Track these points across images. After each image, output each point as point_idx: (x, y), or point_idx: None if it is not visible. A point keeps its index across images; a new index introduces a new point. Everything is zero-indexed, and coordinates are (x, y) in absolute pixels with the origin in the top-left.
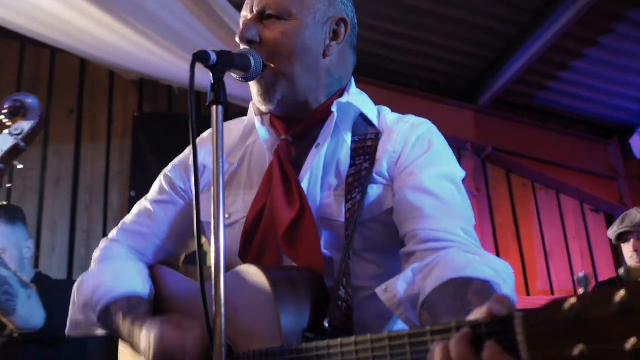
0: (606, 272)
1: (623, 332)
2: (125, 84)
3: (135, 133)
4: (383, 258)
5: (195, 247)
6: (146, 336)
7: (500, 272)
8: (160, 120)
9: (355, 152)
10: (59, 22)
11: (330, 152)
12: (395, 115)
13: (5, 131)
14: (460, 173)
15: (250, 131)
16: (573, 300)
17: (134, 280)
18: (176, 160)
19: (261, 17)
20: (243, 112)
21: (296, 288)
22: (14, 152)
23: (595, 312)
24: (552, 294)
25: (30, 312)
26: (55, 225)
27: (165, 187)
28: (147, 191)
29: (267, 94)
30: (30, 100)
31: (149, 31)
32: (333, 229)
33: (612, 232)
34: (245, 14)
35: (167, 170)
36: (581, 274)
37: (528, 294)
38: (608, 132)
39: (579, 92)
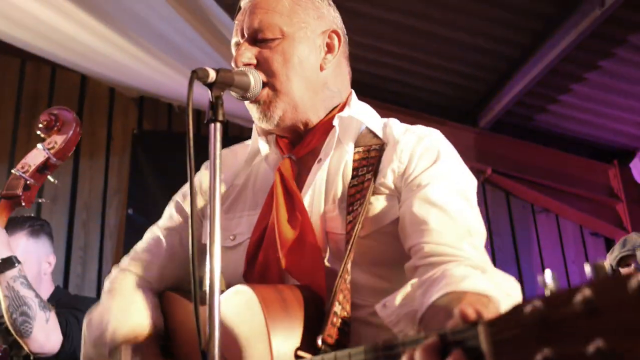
0: None
1: (587, 333)
2: (125, 101)
3: (134, 151)
4: (392, 272)
5: (205, 271)
6: None
7: (503, 287)
8: (160, 138)
9: (358, 164)
10: (60, 35)
11: (333, 166)
12: (404, 125)
13: (39, 145)
14: (471, 184)
15: (256, 152)
16: (536, 302)
17: (140, 314)
18: (185, 187)
19: (254, 40)
20: (242, 130)
21: (289, 307)
22: (45, 167)
23: (559, 314)
24: None
25: (46, 336)
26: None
27: (175, 213)
28: (145, 209)
29: (266, 113)
30: (66, 114)
31: (150, 45)
32: (338, 243)
33: (613, 256)
34: (237, 39)
35: (177, 196)
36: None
37: None
38: (608, 155)
39: (579, 115)
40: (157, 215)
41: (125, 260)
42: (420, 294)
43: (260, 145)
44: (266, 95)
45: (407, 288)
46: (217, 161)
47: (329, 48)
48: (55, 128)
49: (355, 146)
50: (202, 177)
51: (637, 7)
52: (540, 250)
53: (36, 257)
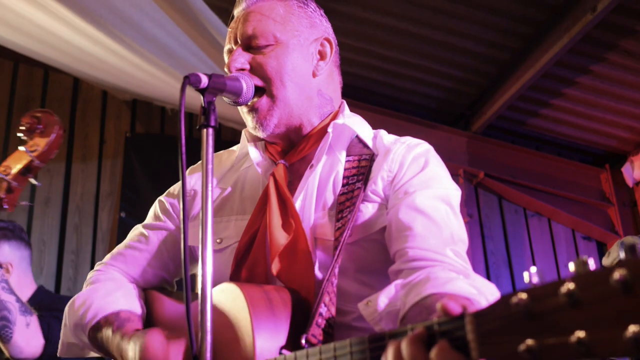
0: None
1: (570, 325)
2: (118, 105)
3: (127, 154)
4: (378, 280)
5: (190, 272)
6: (132, 348)
7: (484, 292)
8: (153, 141)
9: (348, 172)
10: (52, 38)
11: (325, 172)
12: (393, 136)
13: (22, 148)
14: (456, 194)
15: (244, 158)
16: (522, 294)
17: (125, 298)
18: (171, 188)
19: (247, 46)
20: (235, 134)
21: (275, 307)
22: (28, 170)
23: (543, 306)
24: None
25: (27, 341)
26: (44, 245)
27: (159, 212)
28: (137, 212)
29: (263, 122)
30: (48, 116)
31: (143, 49)
32: (326, 250)
33: (611, 259)
34: (230, 46)
35: (162, 196)
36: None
37: None
38: (600, 159)
39: (571, 119)
40: None
41: (108, 257)
42: (404, 295)
43: (250, 151)
44: (264, 103)
45: (390, 288)
46: (210, 166)
47: (321, 55)
48: (38, 131)
49: (347, 155)
50: (189, 179)
51: (628, 12)
52: (532, 253)
53: (17, 262)
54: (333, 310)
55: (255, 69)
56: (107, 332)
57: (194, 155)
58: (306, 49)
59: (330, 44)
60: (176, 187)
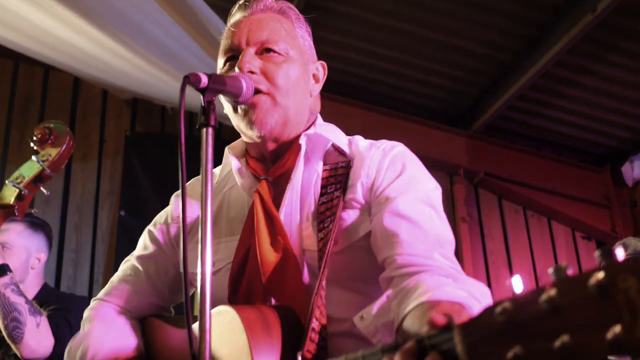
0: None
1: (553, 330)
2: (118, 103)
3: (127, 152)
4: (368, 286)
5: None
6: None
7: (474, 294)
8: (153, 140)
9: (326, 181)
10: (52, 37)
11: (305, 183)
12: (368, 141)
13: (33, 157)
14: (436, 194)
15: (225, 180)
16: (505, 303)
17: (120, 337)
18: (157, 217)
19: (259, 51)
20: (235, 133)
21: (270, 327)
22: (39, 179)
23: (526, 313)
24: None
25: (37, 342)
26: None
27: (149, 242)
28: (137, 211)
29: (263, 118)
30: (59, 127)
31: (144, 50)
32: (313, 260)
33: None
34: (234, 46)
35: (150, 226)
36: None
37: None
38: (600, 159)
39: (571, 119)
40: (149, 218)
41: (102, 293)
42: (396, 304)
43: (233, 165)
44: (266, 100)
45: (382, 299)
46: (209, 166)
47: (315, 78)
48: (49, 141)
49: (324, 164)
50: (173, 206)
51: (628, 13)
52: (532, 253)
53: (27, 247)
54: (324, 322)
55: (266, 75)
56: None
57: (194, 155)
58: (308, 68)
59: (324, 69)
60: (163, 215)
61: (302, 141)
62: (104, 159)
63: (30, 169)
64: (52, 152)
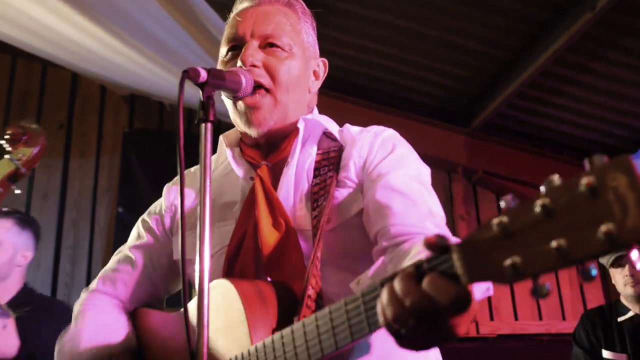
0: (595, 299)
1: (548, 234)
2: (116, 100)
3: (125, 149)
4: (360, 264)
5: (177, 288)
6: None
7: None
8: (151, 136)
9: (319, 164)
10: (51, 33)
11: (300, 167)
12: (359, 127)
13: (7, 156)
14: (426, 173)
15: (219, 166)
16: (501, 217)
17: (111, 333)
18: (151, 206)
19: (263, 44)
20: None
21: (266, 297)
22: (13, 177)
23: (522, 222)
24: (540, 319)
25: (4, 343)
26: (41, 240)
27: (143, 232)
28: (135, 208)
29: (262, 120)
30: (33, 127)
31: (142, 45)
32: (307, 239)
33: (607, 258)
34: (238, 36)
35: (144, 215)
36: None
37: (516, 319)
38: None
39: (570, 117)
40: None
41: (95, 282)
42: (392, 266)
43: (228, 155)
44: (268, 102)
45: (378, 263)
46: (208, 161)
47: (315, 75)
48: (22, 141)
49: (317, 149)
50: (165, 196)
51: (627, 11)
52: None
53: (14, 244)
54: (320, 290)
55: (268, 70)
56: None
57: (192, 151)
58: (310, 64)
59: (325, 66)
60: (157, 205)
61: (300, 125)
62: (102, 155)
63: (3, 167)
64: (26, 152)
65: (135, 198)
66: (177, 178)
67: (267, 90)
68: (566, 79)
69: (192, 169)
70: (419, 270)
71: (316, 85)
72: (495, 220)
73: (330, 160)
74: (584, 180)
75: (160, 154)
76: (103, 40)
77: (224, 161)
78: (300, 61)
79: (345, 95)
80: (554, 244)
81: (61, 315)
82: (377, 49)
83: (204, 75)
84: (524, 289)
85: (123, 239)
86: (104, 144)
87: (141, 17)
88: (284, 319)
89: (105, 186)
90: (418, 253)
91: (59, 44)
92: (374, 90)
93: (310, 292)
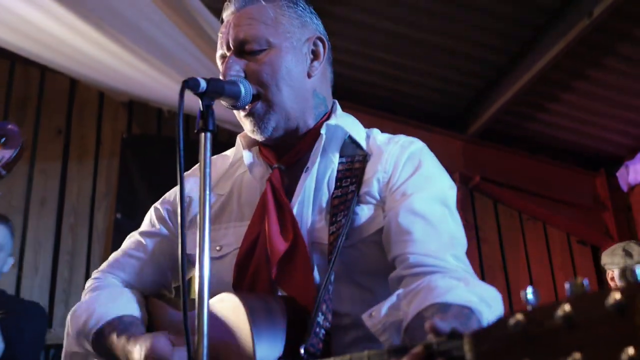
0: None
1: (567, 347)
2: (114, 105)
3: (123, 155)
4: (377, 282)
5: (188, 276)
6: (138, 350)
7: (485, 298)
8: (149, 142)
9: (342, 174)
10: (49, 38)
11: (320, 175)
12: (386, 135)
13: None
14: (451, 193)
15: (238, 163)
16: (519, 316)
17: (127, 304)
18: (166, 194)
19: (240, 51)
20: (231, 136)
21: (274, 317)
22: None
23: (541, 328)
24: None
25: None
26: (39, 246)
27: (155, 220)
28: (133, 213)
29: (261, 125)
30: (11, 128)
31: (141, 50)
32: (322, 254)
33: (615, 264)
34: (223, 51)
35: (157, 203)
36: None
37: None
38: (595, 164)
39: (567, 123)
40: None
41: (105, 265)
42: (406, 304)
43: (245, 157)
44: (260, 107)
45: (393, 298)
46: (207, 170)
47: (315, 55)
48: (1, 143)
49: (340, 156)
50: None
51: (624, 17)
52: (527, 257)
53: (6, 248)
54: (330, 318)
55: (250, 76)
56: (112, 337)
57: (191, 158)
58: (299, 50)
59: (322, 42)
60: (171, 194)
61: (323, 131)
62: (101, 160)
63: None
64: (5, 154)
65: (134, 203)
66: (195, 167)
67: (259, 96)
68: (563, 86)
69: (213, 158)
70: (428, 351)
71: (317, 66)
72: (513, 320)
73: (354, 171)
74: (612, 297)
75: (158, 159)
76: (102, 45)
77: (242, 157)
78: (284, 51)
79: (342, 101)
80: (572, 357)
81: (35, 315)
82: (373, 54)
83: (203, 85)
84: (520, 294)
85: (121, 245)
86: (102, 149)
87: (140, 22)
88: (292, 345)
89: (104, 192)
90: (432, 295)
91: (57, 49)
92: (371, 95)
93: (320, 318)
